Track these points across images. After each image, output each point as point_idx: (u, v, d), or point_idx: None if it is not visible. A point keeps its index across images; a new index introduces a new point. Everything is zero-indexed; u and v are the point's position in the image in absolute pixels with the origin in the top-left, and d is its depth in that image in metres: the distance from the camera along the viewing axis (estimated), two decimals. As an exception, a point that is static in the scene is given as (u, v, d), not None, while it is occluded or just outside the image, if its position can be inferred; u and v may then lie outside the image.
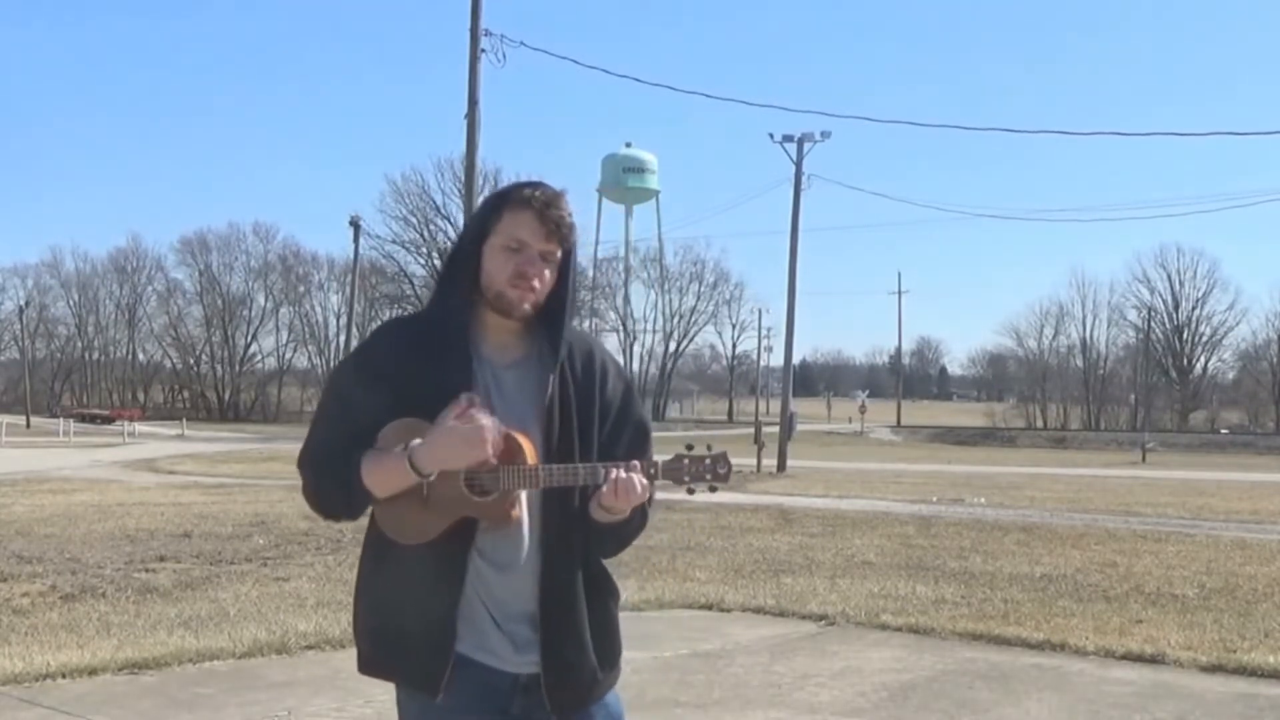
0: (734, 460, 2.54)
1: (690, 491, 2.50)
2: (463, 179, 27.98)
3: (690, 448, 2.50)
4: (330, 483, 2.46)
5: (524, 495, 2.44)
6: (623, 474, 2.38)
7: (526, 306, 2.47)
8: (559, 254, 2.50)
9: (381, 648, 2.54)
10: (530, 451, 2.42)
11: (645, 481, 2.40)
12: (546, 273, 2.48)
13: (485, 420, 2.35)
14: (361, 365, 2.56)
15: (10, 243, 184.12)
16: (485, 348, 2.51)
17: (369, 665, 2.58)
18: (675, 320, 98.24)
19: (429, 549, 2.43)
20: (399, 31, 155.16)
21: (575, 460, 2.45)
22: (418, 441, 2.37)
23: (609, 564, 2.68)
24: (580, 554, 2.53)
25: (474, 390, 2.43)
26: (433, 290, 2.64)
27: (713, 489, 2.46)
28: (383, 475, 2.39)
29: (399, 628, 2.49)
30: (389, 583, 2.51)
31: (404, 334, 2.57)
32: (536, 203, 2.47)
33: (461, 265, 2.52)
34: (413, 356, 2.48)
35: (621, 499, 2.39)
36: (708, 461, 2.39)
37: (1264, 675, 6.81)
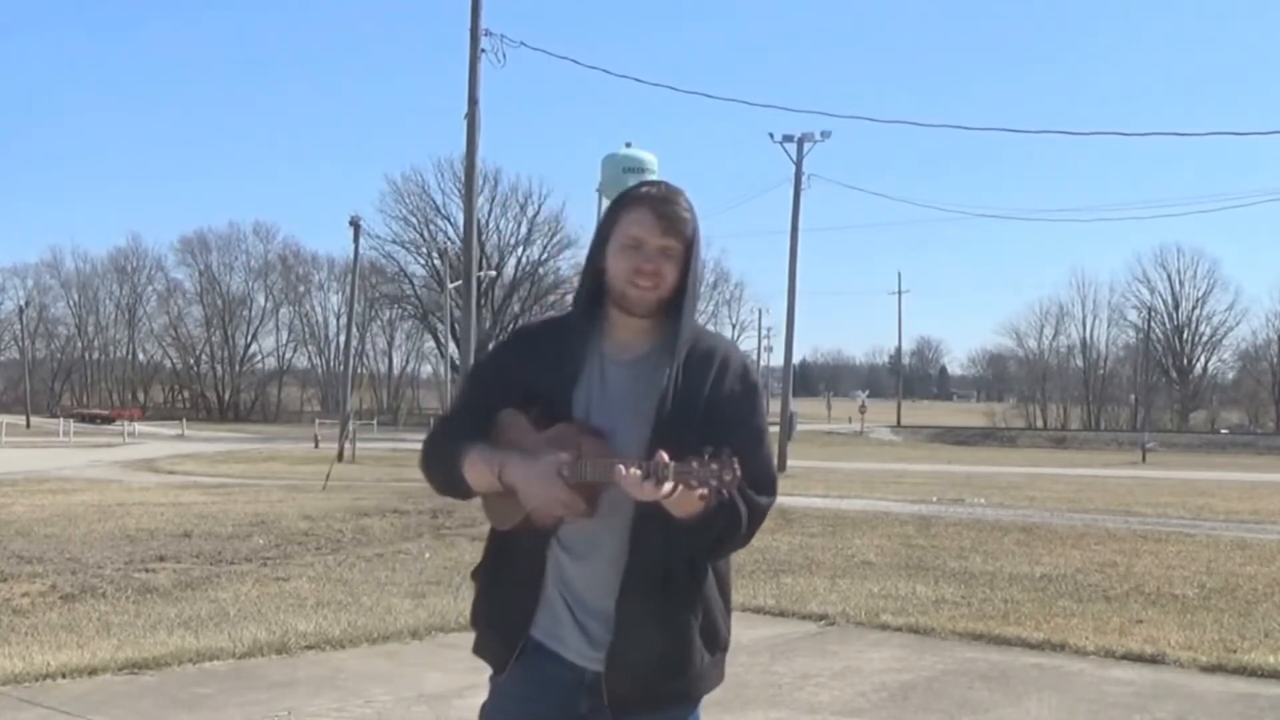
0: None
1: (703, 498, 2.45)
2: (463, 179, 27.97)
3: (709, 452, 2.43)
4: (439, 468, 2.61)
5: (606, 489, 2.42)
6: (633, 470, 2.31)
7: (648, 303, 2.50)
8: (679, 248, 2.51)
9: (479, 628, 2.66)
10: (598, 447, 2.44)
11: (638, 474, 2.30)
12: (667, 268, 2.49)
13: (565, 504, 2.42)
14: (494, 359, 2.70)
15: (10, 243, 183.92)
16: (608, 345, 2.56)
17: (475, 646, 2.69)
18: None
19: (519, 536, 2.53)
20: (399, 31, 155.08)
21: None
22: (509, 455, 2.47)
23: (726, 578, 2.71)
24: (668, 555, 2.48)
25: (578, 387, 2.51)
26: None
27: (723, 494, 2.41)
28: (478, 473, 2.51)
29: (490, 609, 2.62)
30: (490, 567, 2.65)
31: (534, 333, 2.70)
32: (650, 198, 2.51)
33: (589, 268, 2.59)
34: (535, 354, 2.59)
35: (635, 493, 2.33)
36: (714, 468, 2.35)
37: (1264, 675, 6.81)
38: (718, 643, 2.64)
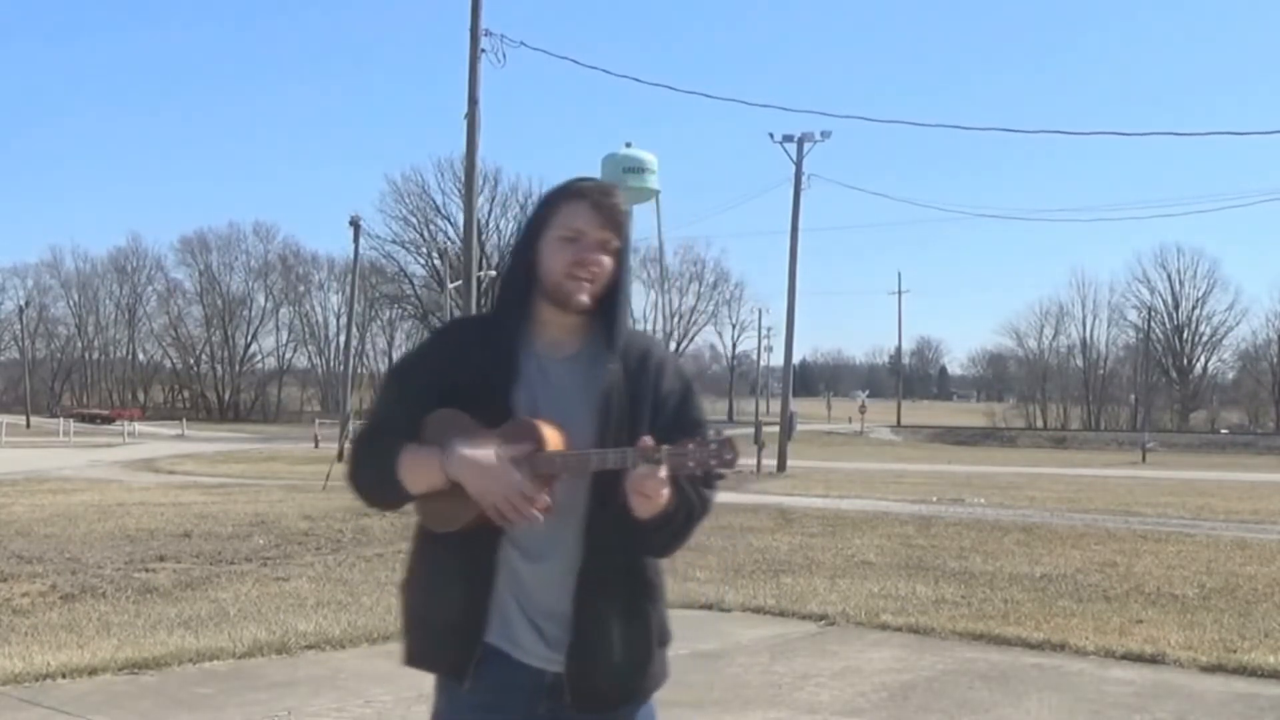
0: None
1: (708, 484, 2.45)
2: (463, 179, 27.97)
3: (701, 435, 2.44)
4: (370, 472, 2.50)
5: (562, 489, 2.40)
6: (642, 468, 2.30)
7: (584, 297, 2.46)
8: (616, 243, 2.49)
9: (420, 638, 2.55)
10: (555, 441, 2.39)
11: (656, 468, 2.30)
12: (605, 260, 2.47)
13: (526, 497, 2.33)
14: (420, 358, 2.62)
15: (10, 243, 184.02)
16: (540, 343, 2.51)
17: (410, 656, 2.58)
18: (675, 320, 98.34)
19: (463, 539, 2.44)
20: (399, 31, 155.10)
21: None
22: (455, 446, 2.37)
23: (663, 566, 2.62)
24: (624, 552, 2.48)
25: (519, 384, 2.45)
26: (495, 292, 2.68)
27: (719, 475, 2.41)
28: (416, 471, 2.41)
29: (434, 617, 2.51)
30: (428, 574, 2.53)
31: (463, 330, 2.66)
32: (590, 192, 2.49)
33: (519, 262, 2.53)
34: (466, 351, 2.51)
35: (643, 486, 2.32)
36: (713, 447, 2.32)
37: (1264, 675, 6.81)
38: (666, 637, 2.63)
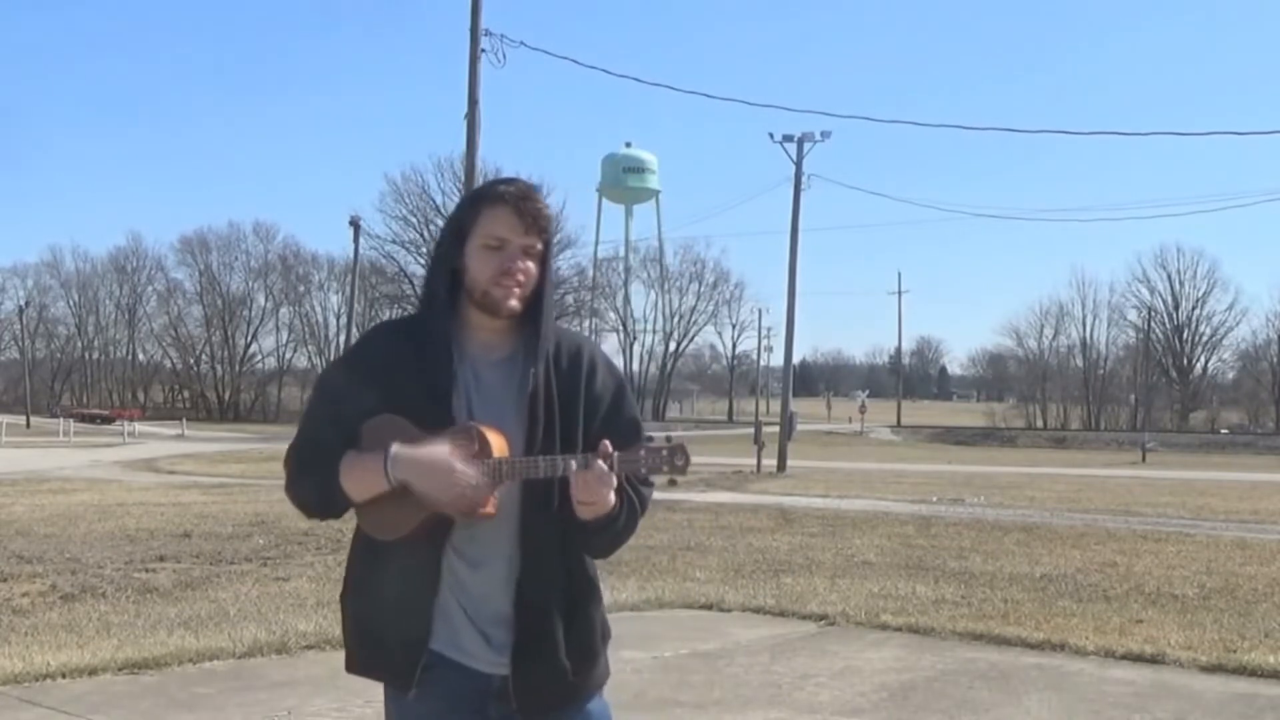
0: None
1: (646, 483, 2.47)
2: (463, 179, 27.97)
3: (650, 439, 2.45)
4: (309, 481, 2.48)
5: (500, 493, 2.40)
6: (594, 466, 2.31)
7: (513, 303, 2.46)
8: (539, 246, 2.48)
9: (365, 646, 2.54)
10: (499, 446, 2.39)
11: (608, 470, 2.32)
12: (530, 266, 2.47)
13: (479, 489, 2.33)
14: (350, 365, 2.59)
15: (10, 243, 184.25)
16: (471, 346, 2.50)
17: (353, 663, 2.58)
18: (675, 320, 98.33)
19: (406, 546, 2.43)
20: (399, 31, 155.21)
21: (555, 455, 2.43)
22: (398, 448, 2.36)
23: (601, 567, 2.64)
24: (562, 554, 2.49)
25: (455, 389, 2.44)
26: (420, 294, 2.65)
27: (672, 481, 2.43)
28: (358, 478, 2.40)
29: (379, 626, 2.49)
30: (371, 582, 2.52)
31: (392, 335, 2.58)
32: (511, 197, 2.46)
33: (443, 267, 2.51)
34: (399, 357, 2.49)
35: (589, 491, 2.33)
36: (664, 453, 2.34)
37: (1264, 675, 6.81)
38: (607, 633, 2.63)
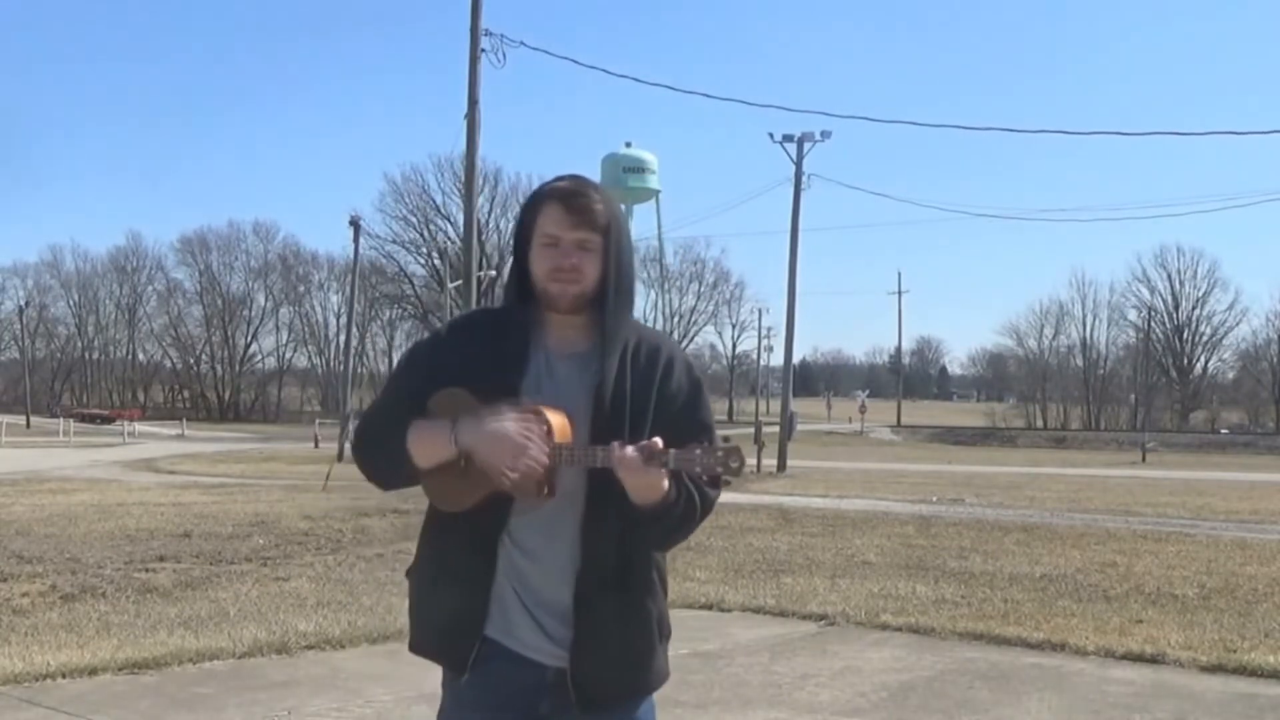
0: None
1: (714, 485, 2.47)
2: (463, 179, 27.97)
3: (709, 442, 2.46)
4: (377, 445, 2.51)
5: (562, 480, 2.40)
6: (627, 451, 2.31)
7: (570, 299, 2.47)
8: (596, 240, 2.48)
9: (424, 628, 2.57)
10: (561, 428, 2.40)
11: (636, 455, 2.31)
12: (586, 262, 2.47)
13: (541, 456, 2.35)
14: (433, 346, 2.63)
15: (10, 243, 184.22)
16: (549, 340, 2.53)
17: (414, 644, 2.61)
18: (675, 320, 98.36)
19: (466, 531, 2.46)
20: (399, 31, 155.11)
21: None
22: (465, 417, 2.39)
23: (661, 562, 2.63)
24: (624, 546, 2.48)
25: (526, 378, 2.47)
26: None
27: (726, 481, 2.45)
28: (426, 440, 2.42)
29: (435, 608, 2.53)
30: (433, 564, 2.55)
31: (477, 322, 2.64)
32: (560, 194, 2.48)
33: (514, 269, 2.56)
34: (478, 344, 2.53)
35: (630, 471, 2.33)
36: (720, 454, 2.35)
37: (1264, 675, 6.81)
38: (666, 631, 2.63)
